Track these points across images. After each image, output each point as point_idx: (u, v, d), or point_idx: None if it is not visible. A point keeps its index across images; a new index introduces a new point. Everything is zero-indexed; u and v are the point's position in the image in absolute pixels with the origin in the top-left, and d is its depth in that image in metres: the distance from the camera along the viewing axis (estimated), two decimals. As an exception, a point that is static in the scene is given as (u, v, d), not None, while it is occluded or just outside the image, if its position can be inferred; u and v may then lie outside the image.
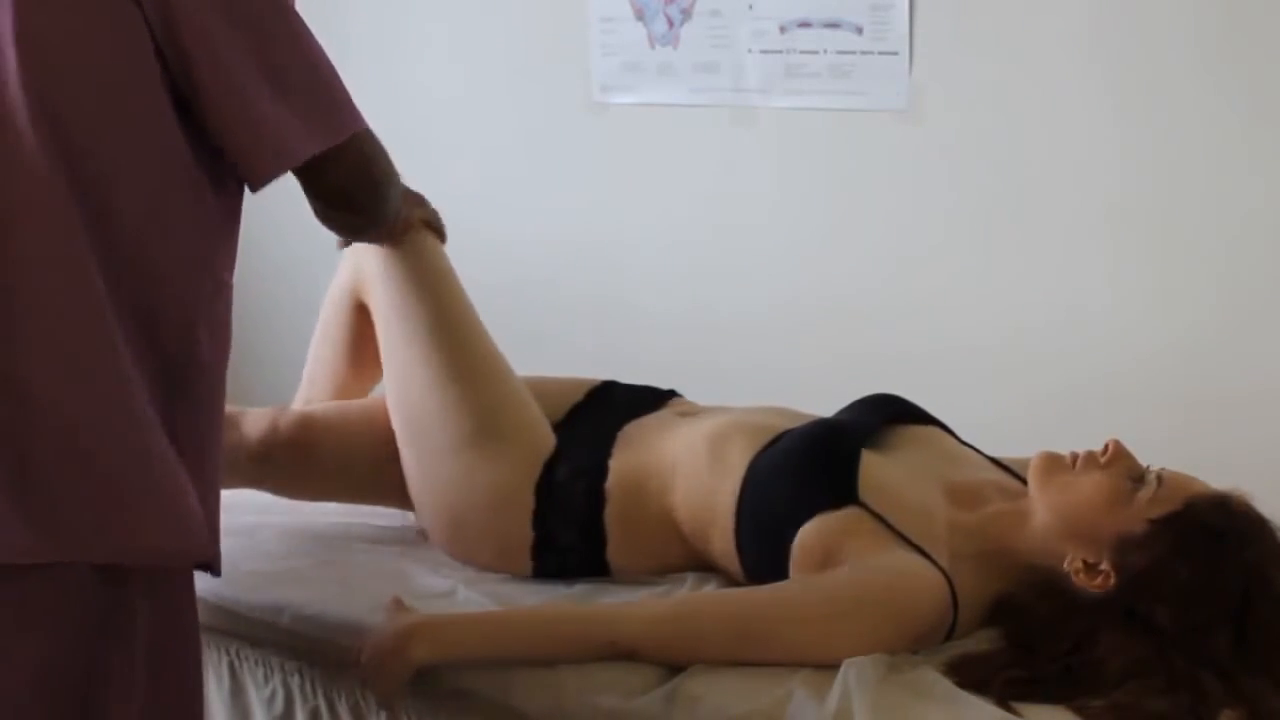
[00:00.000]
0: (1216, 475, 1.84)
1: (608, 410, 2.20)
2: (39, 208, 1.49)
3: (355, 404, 2.31)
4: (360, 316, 2.25)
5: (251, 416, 2.23)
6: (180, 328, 1.61)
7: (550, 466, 2.06)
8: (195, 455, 1.66)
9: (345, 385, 2.32)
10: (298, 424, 2.22)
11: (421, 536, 2.22)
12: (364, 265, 2.20)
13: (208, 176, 1.60)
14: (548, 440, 2.10)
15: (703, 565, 2.02)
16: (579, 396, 2.28)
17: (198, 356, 1.64)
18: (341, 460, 2.23)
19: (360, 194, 1.75)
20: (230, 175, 1.62)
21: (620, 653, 1.78)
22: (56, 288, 1.51)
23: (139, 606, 1.66)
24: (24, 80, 1.48)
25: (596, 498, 2.02)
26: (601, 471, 2.03)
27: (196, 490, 1.65)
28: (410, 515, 2.25)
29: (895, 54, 2.58)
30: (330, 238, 2.03)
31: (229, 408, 2.08)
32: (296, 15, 1.63)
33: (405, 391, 2.12)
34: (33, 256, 1.50)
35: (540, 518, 2.04)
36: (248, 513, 2.31)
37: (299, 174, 1.66)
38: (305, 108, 1.61)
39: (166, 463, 1.61)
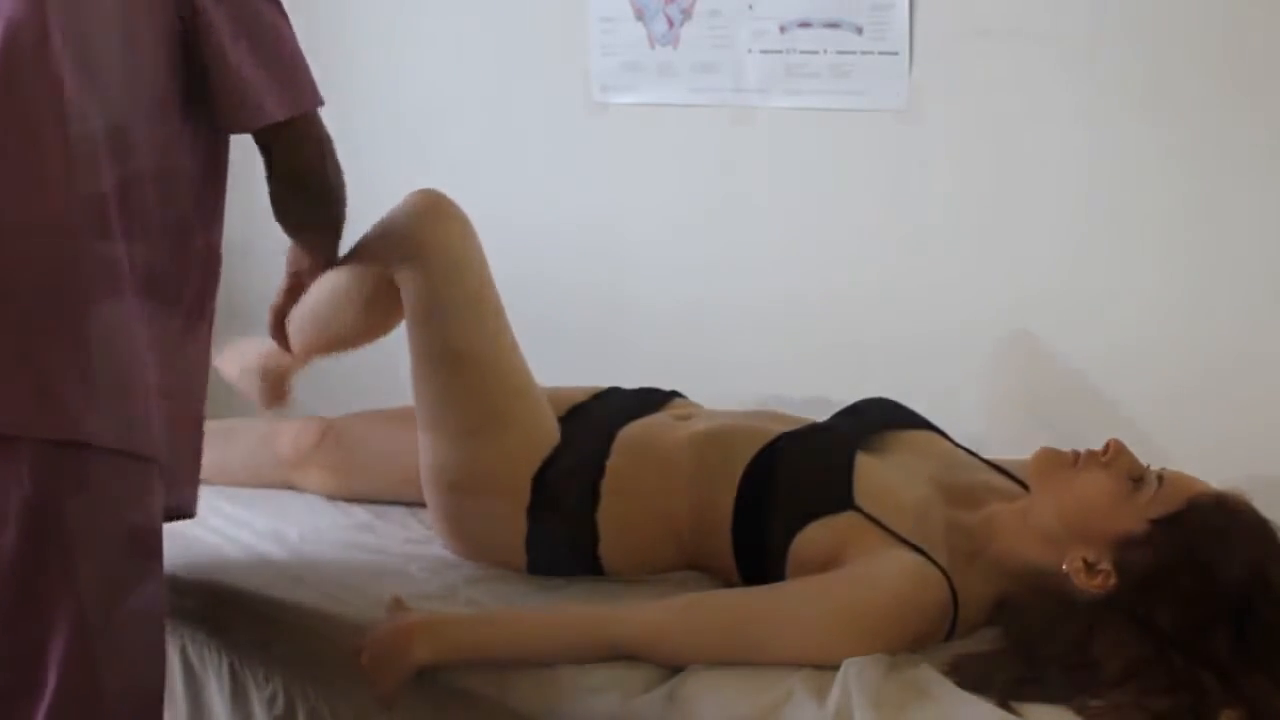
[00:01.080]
0: (1216, 466, 1.84)
1: (609, 411, 2.21)
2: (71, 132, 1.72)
3: (369, 414, 2.40)
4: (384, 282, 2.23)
5: (284, 435, 2.38)
6: (177, 245, 1.84)
7: (551, 461, 2.07)
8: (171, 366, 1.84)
9: (343, 331, 2.30)
10: (316, 442, 2.35)
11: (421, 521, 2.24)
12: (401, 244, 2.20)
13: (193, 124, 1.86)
14: (552, 435, 2.12)
15: (697, 566, 2.02)
16: (583, 398, 2.29)
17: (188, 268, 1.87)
18: (363, 467, 2.34)
19: (316, 176, 2.01)
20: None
21: (621, 654, 1.78)
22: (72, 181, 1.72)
23: (72, 509, 1.73)
24: (62, 29, 1.71)
25: (591, 496, 2.02)
26: (598, 470, 2.04)
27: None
28: (412, 521, 2.27)
29: (895, 54, 2.57)
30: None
31: (267, 423, 2.42)
32: (279, 4, 1.89)
33: (425, 372, 2.14)
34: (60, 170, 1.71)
35: (535, 510, 2.04)
36: (249, 513, 2.32)
37: (271, 144, 1.93)
38: (282, 78, 1.87)
39: (133, 354, 1.76)
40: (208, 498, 2.30)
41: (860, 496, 1.85)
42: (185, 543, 2.16)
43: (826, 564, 1.81)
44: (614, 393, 2.31)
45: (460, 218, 2.21)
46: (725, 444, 1.99)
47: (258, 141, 1.93)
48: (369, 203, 3.18)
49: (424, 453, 2.13)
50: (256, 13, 1.85)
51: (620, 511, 2.02)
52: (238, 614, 2.15)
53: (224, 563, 2.17)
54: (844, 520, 1.83)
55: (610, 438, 2.09)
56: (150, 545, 1.84)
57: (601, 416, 2.19)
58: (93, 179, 1.73)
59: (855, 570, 1.78)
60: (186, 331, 1.89)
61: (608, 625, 1.79)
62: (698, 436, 2.03)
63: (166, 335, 1.84)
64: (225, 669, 2.12)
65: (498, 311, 2.18)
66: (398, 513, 2.30)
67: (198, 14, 1.79)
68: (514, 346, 2.18)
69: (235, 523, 2.28)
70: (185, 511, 1.97)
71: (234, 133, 1.91)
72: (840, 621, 1.74)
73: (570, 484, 2.04)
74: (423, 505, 2.20)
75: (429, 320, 2.14)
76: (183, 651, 2.22)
